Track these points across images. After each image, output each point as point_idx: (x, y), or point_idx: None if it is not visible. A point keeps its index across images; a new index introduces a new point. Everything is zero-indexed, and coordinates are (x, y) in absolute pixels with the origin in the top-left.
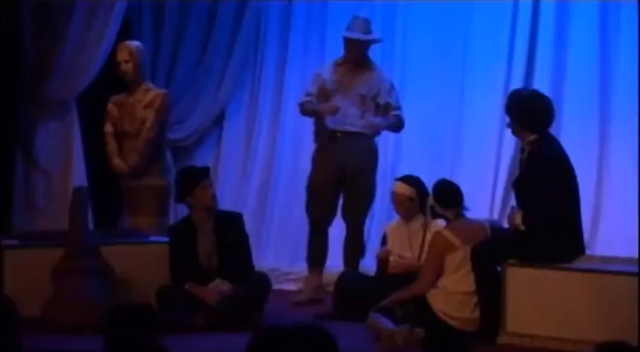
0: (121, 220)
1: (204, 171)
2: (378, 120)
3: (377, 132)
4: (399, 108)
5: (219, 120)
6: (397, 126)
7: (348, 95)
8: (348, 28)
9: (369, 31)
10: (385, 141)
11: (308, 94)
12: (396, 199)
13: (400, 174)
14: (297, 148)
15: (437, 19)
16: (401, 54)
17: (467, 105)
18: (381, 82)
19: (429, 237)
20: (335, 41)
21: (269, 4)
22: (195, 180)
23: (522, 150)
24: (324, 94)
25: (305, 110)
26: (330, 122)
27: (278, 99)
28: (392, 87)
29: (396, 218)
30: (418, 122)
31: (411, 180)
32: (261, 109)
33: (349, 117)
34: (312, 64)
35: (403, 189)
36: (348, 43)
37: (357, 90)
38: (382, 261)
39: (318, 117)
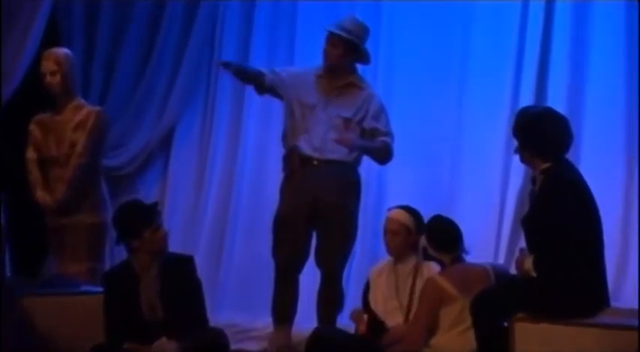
0: (47, 265)
1: (154, 209)
2: (354, 136)
3: (350, 149)
4: (388, 134)
5: (165, 144)
6: (383, 154)
7: (328, 116)
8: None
9: (352, 33)
10: (368, 171)
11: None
12: (391, 227)
13: (385, 208)
14: (261, 178)
15: (430, 21)
16: (385, 63)
17: (466, 126)
18: (370, 104)
19: (420, 283)
20: (306, 47)
21: (227, 3)
22: (142, 220)
23: (533, 181)
24: (296, 103)
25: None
26: (304, 146)
27: (237, 118)
28: (381, 109)
29: (381, 261)
30: (407, 146)
31: (409, 208)
32: (217, 130)
33: (329, 142)
34: None
35: (401, 215)
36: (325, 44)
37: (340, 111)
38: (357, 325)
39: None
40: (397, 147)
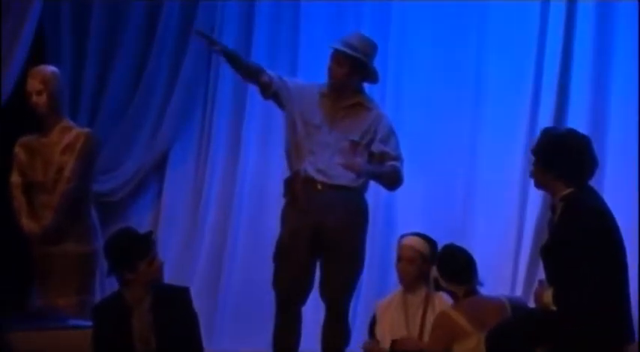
0: (33, 298)
1: (149, 239)
2: (362, 161)
3: (359, 175)
4: (398, 158)
5: (159, 168)
6: (392, 179)
7: (335, 139)
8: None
9: (358, 50)
10: (376, 196)
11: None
12: (406, 254)
13: (395, 237)
14: (262, 203)
15: (442, 26)
16: (394, 80)
17: (481, 147)
18: (379, 126)
19: (431, 314)
20: (311, 59)
21: (225, 16)
22: (137, 251)
23: (553, 208)
24: (298, 118)
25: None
26: (308, 170)
27: (236, 140)
28: (391, 132)
29: (389, 295)
30: (418, 170)
31: (425, 236)
32: (215, 153)
33: (335, 166)
34: None
35: (417, 242)
36: (330, 62)
37: (347, 134)
38: None
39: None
40: (407, 171)
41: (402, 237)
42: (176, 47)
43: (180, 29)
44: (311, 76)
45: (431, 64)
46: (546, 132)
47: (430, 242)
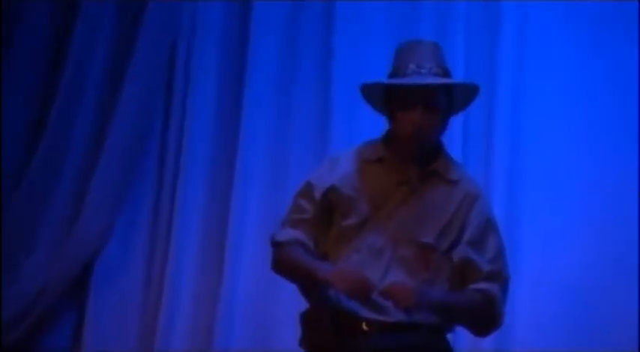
0: None
1: None
2: (434, 293)
3: (407, 310)
4: (496, 277)
5: (77, 289)
6: (479, 317)
7: (389, 238)
8: (399, 69)
9: (442, 72)
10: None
11: (297, 218)
12: None
13: None
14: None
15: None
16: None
17: None
18: (469, 214)
19: None
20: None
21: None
22: None
23: None
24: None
25: (286, 265)
26: (342, 299)
27: (215, 239)
28: (489, 224)
29: None
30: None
31: None
32: (177, 262)
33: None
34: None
35: None
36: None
37: (412, 233)
38: None
39: (315, 290)
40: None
41: None
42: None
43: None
44: None
45: None
46: None
47: None
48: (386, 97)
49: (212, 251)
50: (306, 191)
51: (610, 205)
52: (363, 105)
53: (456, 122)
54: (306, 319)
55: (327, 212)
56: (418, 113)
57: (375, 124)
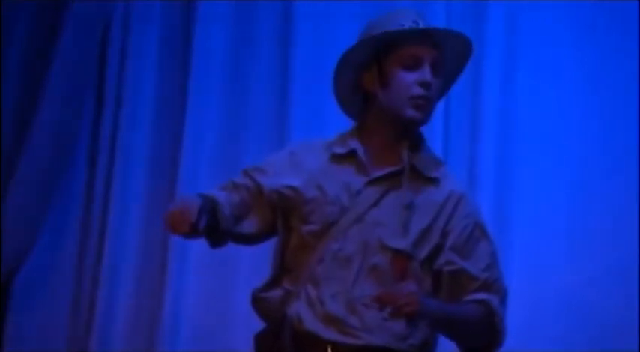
0: None
1: None
2: (433, 302)
3: (411, 321)
4: (492, 286)
5: None
6: (476, 331)
7: (358, 245)
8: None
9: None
10: None
11: (224, 186)
12: None
13: None
14: None
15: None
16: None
17: None
18: (453, 216)
19: None
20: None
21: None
22: None
23: None
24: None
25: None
26: (305, 316)
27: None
28: (477, 227)
29: None
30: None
31: None
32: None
33: (365, 307)
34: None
35: None
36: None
37: (384, 239)
38: None
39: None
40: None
41: None
42: None
43: None
44: None
45: None
46: None
47: None
48: (382, 59)
49: (153, 261)
50: (250, 172)
51: (607, 205)
52: (325, 94)
53: (437, 115)
54: (260, 341)
55: (274, 211)
56: (428, 71)
57: (340, 115)
